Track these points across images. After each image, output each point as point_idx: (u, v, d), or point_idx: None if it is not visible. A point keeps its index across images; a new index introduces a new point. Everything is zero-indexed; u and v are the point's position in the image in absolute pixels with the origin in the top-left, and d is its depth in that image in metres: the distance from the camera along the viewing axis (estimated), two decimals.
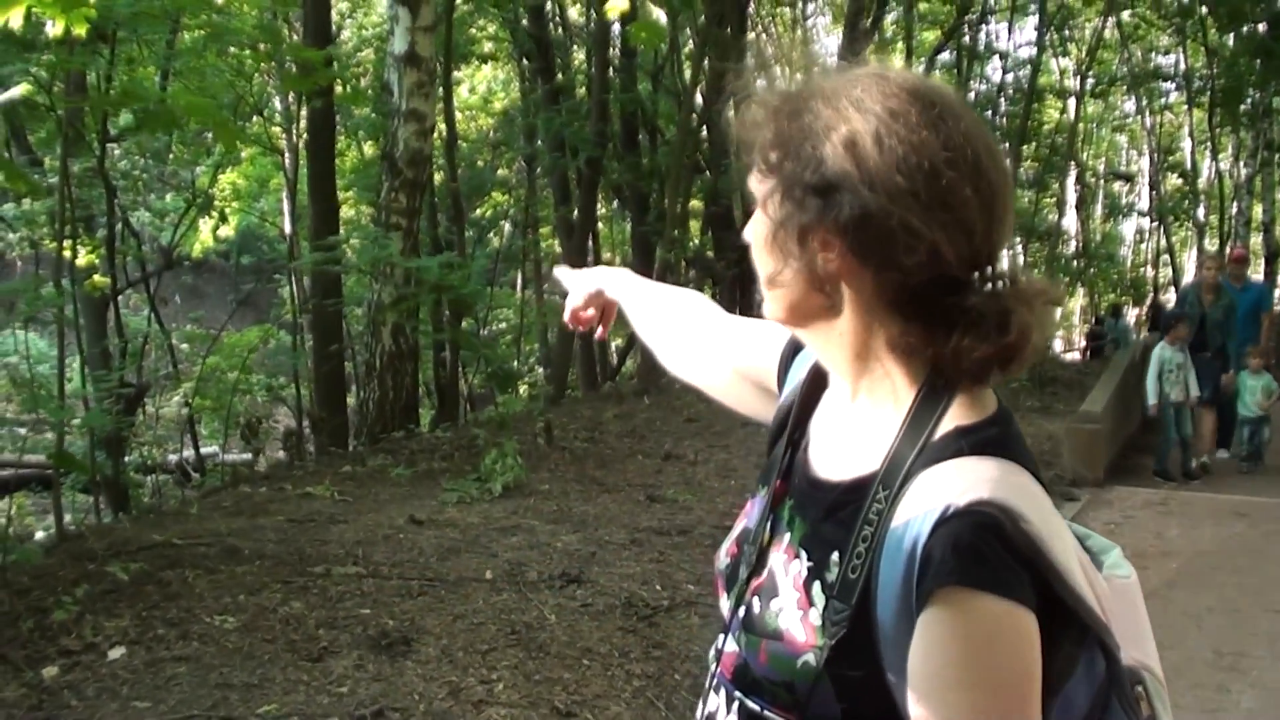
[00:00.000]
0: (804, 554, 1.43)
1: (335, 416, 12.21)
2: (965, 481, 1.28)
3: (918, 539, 1.27)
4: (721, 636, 1.57)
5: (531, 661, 5.01)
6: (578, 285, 2.26)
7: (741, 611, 1.50)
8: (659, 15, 17.21)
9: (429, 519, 7.09)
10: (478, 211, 24.42)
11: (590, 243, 20.22)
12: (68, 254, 9.25)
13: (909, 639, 1.27)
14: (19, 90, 6.86)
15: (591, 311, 2.26)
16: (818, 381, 1.60)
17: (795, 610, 1.40)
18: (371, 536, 6.63)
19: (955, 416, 1.37)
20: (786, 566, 1.46)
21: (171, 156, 16.76)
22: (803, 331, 1.51)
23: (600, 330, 2.32)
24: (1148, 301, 28.96)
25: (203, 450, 15.44)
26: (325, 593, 5.60)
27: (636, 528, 7.14)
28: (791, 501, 1.51)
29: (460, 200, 16.62)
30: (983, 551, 1.23)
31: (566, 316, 2.28)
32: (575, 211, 18.73)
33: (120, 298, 17.10)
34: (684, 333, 2.06)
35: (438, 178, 16.14)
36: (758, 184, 1.44)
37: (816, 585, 1.39)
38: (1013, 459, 1.33)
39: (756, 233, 1.47)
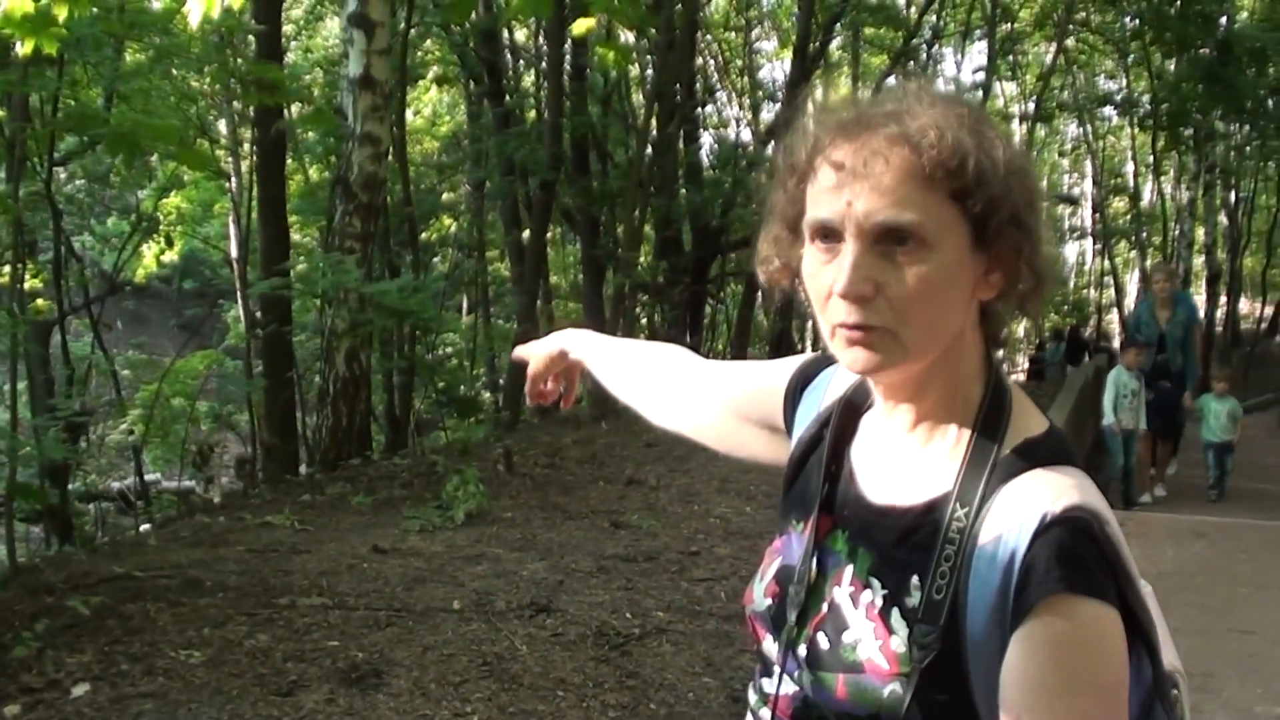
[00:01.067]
0: (875, 583, 1.42)
1: (287, 444, 12.08)
2: (1053, 491, 1.31)
3: (1015, 551, 1.28)
4: (768, 680, 1.54)
5: (505, 694, 4.95)
6: (537, 352, 2.17)
7: (803, 650, 1.47)
8: (627, 37, 17.26)
9: (393, 548, 7.01)
10: (423, 235, 24.34)
11: (541, 265, 20.19)
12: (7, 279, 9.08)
13: (1001, 655, 1.28)
14: None
15: (552, 385, 2.18)
16: (850, 410, 1.58)
17: (873, 640, 1.39)
18: (335, 566, 6.54)
19: (1018, 431, 1.40)
20: (855, 598, 1.44)
21: (115, 180, 16.57)
22: (899, 367, 1.42)
23: (565, 399, 2.23)
24: (1066, 330, 29.06)
25: (147, 478, 15.24)
26: (291, 625, 5.51)
27: (603, 555, 7.09)
28: (845, 533, 1.49)
29: (416, 224, 16.55)
30: (1084, 557, 1.27)
31: (527, 389, 2.20)
32: (527, 234, 18.70)
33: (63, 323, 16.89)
34: (666, 381, 2.00)
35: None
36: (909, 212, 1.33)
37: (895, 612, 1.38)
38: (1077, 466, 1.38)
39: (934, 267, 1.34)
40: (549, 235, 23.95)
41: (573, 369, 2.18)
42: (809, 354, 1.75)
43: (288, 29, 20.62)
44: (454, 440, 11.17)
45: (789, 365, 1.76)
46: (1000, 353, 1.49)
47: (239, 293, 17.44)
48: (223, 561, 6.54)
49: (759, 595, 1.59)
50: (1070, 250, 41.75)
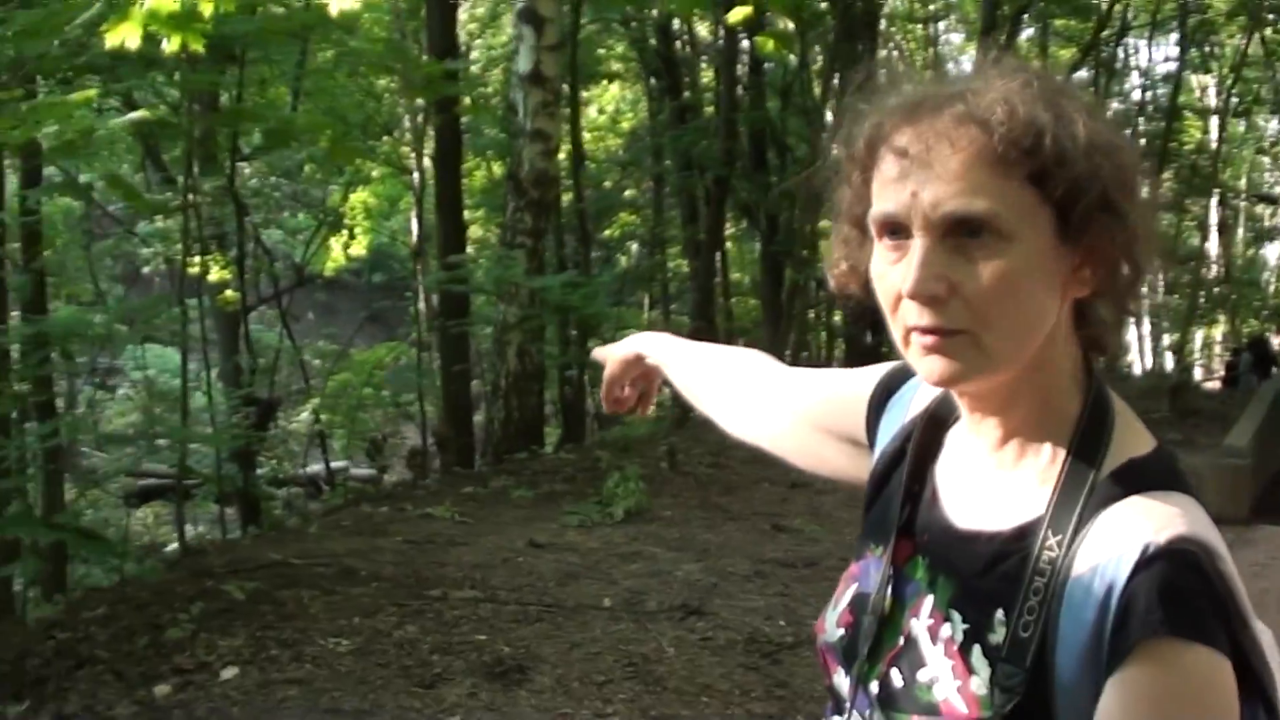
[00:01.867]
0: (956, 616, 1.27)
1: (461, 436, 12.20)
2: (1158, 519, 1.16)
3: (1112, 586, 1.14)
4: (838, 718, 1.41)
5: (648, 696, 4.89)
6: (613, 356, 2.05)
7: (875, 687, 1.33)
8: (787, 25, 17.07)
9: (549, 542, 7.02)
10: (606, 232, 24.47)
11: (720, 262, 20.10)
12: (195, 270, 9.40)
13: (1094, 703, 1.13)
14: (142, 112, 6.99)
15: (628, 391, 2.05)
16: (934, 424, 1.44)
17: (951, 680, 1.24)
18: (490, 560, 6.58)
19: (1121, 451, 1.24)
20: (933, 632, 1.29)
21: (303, 175, 17.05)
22: (982, 377, 1.27)
23: (641, 407, 2.11)
24: (1253, 340, 27.39)
25: (335, 465, 15.68)
26: (441, 617, 5.54)
27: (760, 558, 6.98)
28: (925, 559, 1.35)
29: (586, 220, 16.63)
30: (1190, 595, 1.11)
31: (603, 394, 2.07)
32: (702, 232, 18.64)
33: (255, 314, 17.48)
34: (744, 390, 1.86)
35: (566, 197, 16.19)
36: (981, 200, 1.18)
37: (976, 649, 1.23)
38: (1188, 492, 1.21)
39: (1013, 260, 1.19)
40: (730, 231, 23.86)
41: (650, 374, 2.05)
42: (896, 361, 1.56)
43: (471, 27, 20.97)
44: (616, 436, 11.16)
45: (873, 374, 1.62)
46: (1101, 360, 1.32)
47: (420, 287, 17.80)
48: (379, 551, 6.63)
49: (831, 624, 1.46)
50: (1271, 252, 39.90)
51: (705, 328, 15.95)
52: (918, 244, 1.21)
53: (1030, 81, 1.22)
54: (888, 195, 1.24)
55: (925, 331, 1.22)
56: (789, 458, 1.79)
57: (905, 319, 1.24)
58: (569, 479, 9.13)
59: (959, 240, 1.19)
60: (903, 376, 1.54)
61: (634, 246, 26.52)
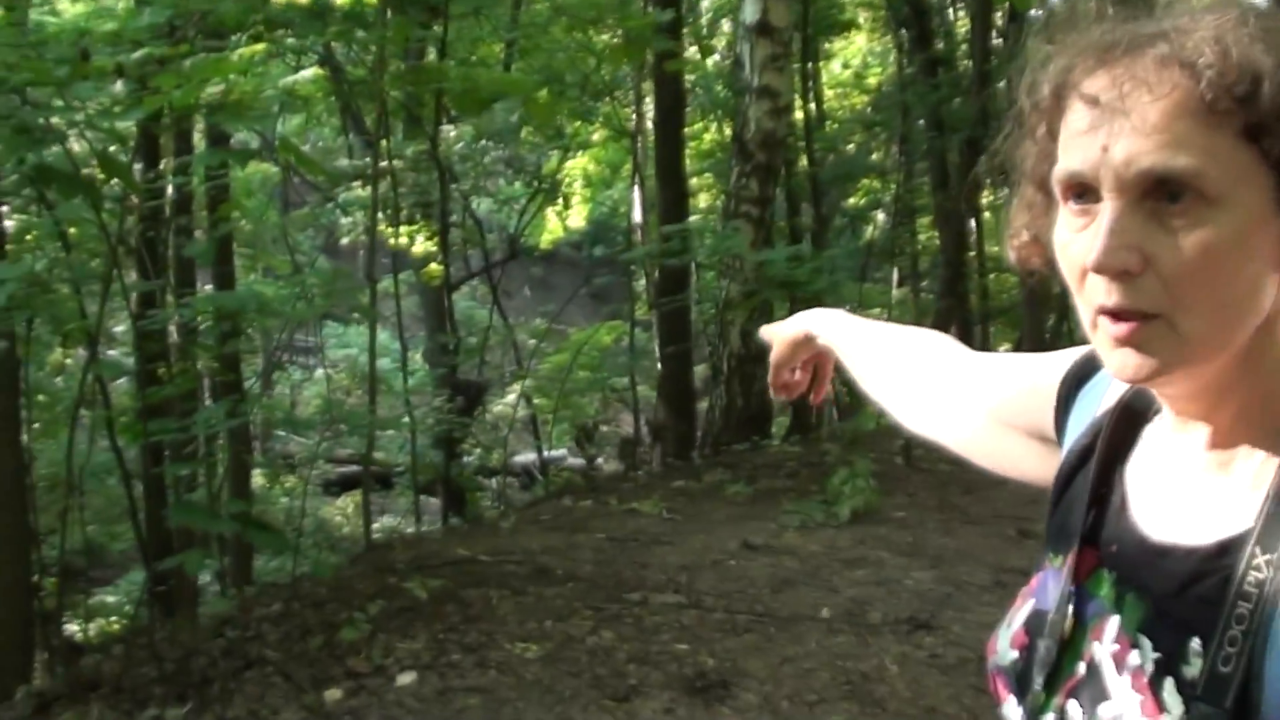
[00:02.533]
0: (1145, 642, 1.15)
1: (680, 424, 12.18)
2: None
3: None
4: None
5: (866, 718, 4.78)
6: (780, 335, 2.00)
7: None
8: None
9: (765, 544, 6.96)
10: (850, 200, 24.15)
11: (975, 234, 19.64)
12: (400, 242, 9.61)
13: None
14: (313, 70, 7.18)
15: (799, 374, 1.99)
16: (1128, 418, 1.33)
17: (1140, 718, 1.13)
18: (698, 561, 6.56)
19: None
20: (1119, 659, 1.17)
21: (516, 139, 17.22)
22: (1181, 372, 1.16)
23: (815, 394, 2.05)
24: None
25: (552, 454, 15.75)
26: (640, 623, 5.55)
27: (1002, 567, 6.76)
28: (1112, 574, 1.23)
29: (819, 187, 16.42)
30: None
31: (770, 379, 2.01)
32: (953, 199, 18.21)
33: (465, 289, 17.82)
34: (927, 382, 1.77)
35: (801, 162, 16.03)
36: (1184, 156, 1.07)
37: (1168, 684, 1.11)
38: None
39: (1221, 230, 1.08)
40: (987, 198, 23.26)
41: (823, 357, 1.98)
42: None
43: None
44: (848, 428, 10.99)
45: (1063, 360, 1.50)
46: None
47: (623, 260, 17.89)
48: (578, 549, 6.68)
49: (1004, 646, 1.35)
50: None
51: (955, 306, 15.61)
52: (1107, 207, 1.10)
53: (1246, 18, 1.10)
54: (1074, 150, 1.13)
55: (1115, 316, 1.11)
56: (975, 459, 1.69)
57: (1092, 297, 1.14)
58: (792, 474, 9.04)
59: (1157, 204, 1.08)
60: (1097, 363, 1.42)
61: (879, 216, 26.13)
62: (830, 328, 1.94)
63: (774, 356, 2.00)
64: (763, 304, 10.33)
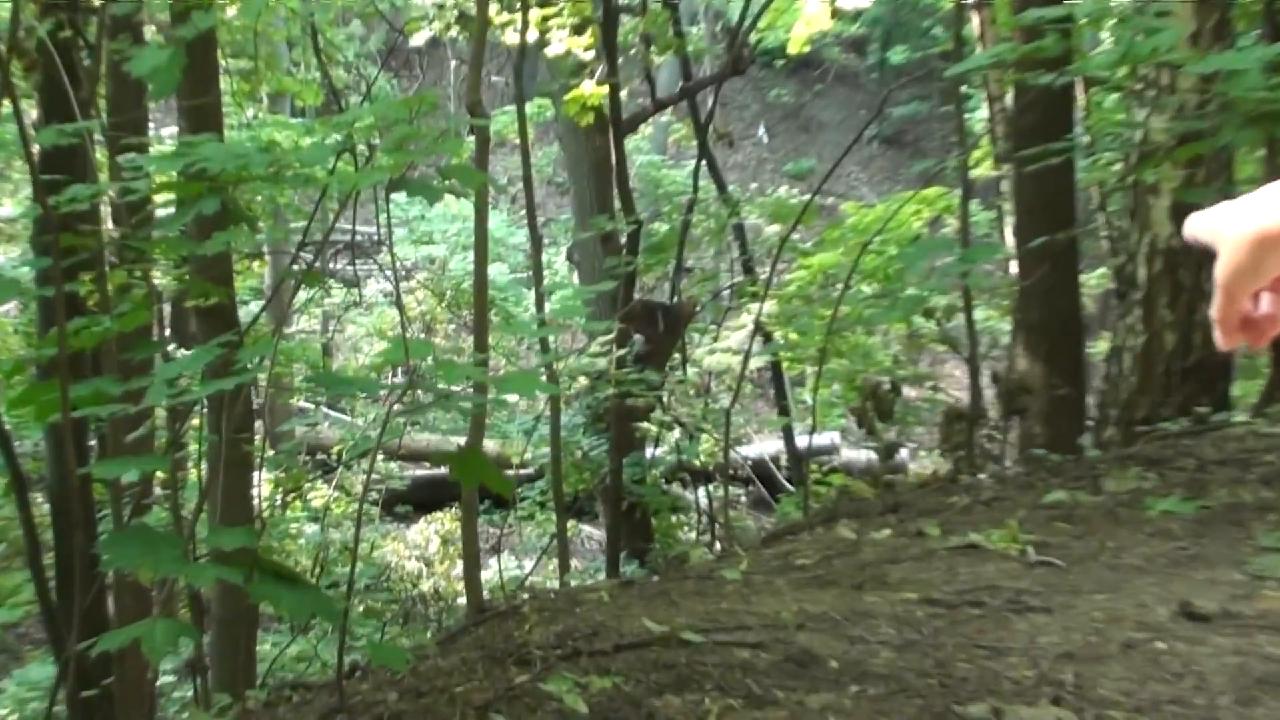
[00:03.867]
0: None
1: (1059, 383, 8.43)
2: None
3: None
4: None
5: None
6: (1234, 239, 1.20)
7: None
8: None
9: (1223, 611, 4.08)
10: None
11: None
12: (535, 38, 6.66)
13: None
14: None
15: (1268, 304, 1.24)
16: None
17: None
18: (1093, 645, 3.81)
19: None
20: None
21: None
22: None
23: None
24: None
25: (812, 439, 10.04)
26: None
27: None
28: None
29: None
30: None
31: (1216, 312, 1.25)
32: None
33: (647, 129, 13.56)
34: None
35: None
36: None
37: None
38: None
39: None
40: None
41: None
42: None
43: None
44: None
45: None
46: None
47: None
48: (869, 621, 4.16)
49: None
50: None
51: None
52: None
53: None
54: None
55: None
56: None
57: None
58: (1268, 480, 5.58)
59: None
60: None
61: None
62: None
63: (1226, 274, 1.21)
64: (1217, 156, 6.61)
